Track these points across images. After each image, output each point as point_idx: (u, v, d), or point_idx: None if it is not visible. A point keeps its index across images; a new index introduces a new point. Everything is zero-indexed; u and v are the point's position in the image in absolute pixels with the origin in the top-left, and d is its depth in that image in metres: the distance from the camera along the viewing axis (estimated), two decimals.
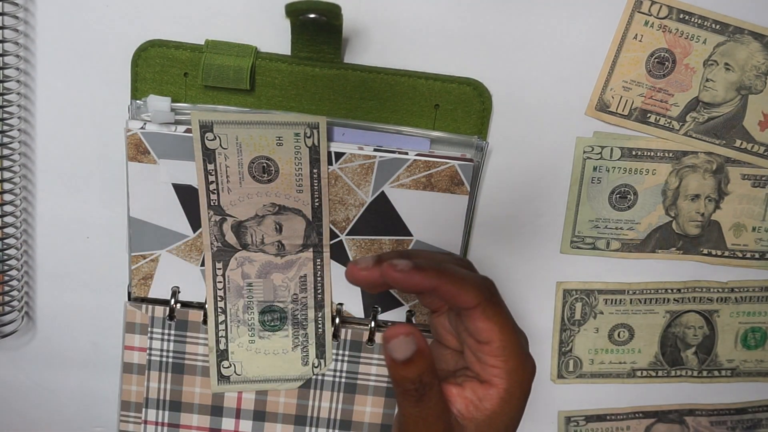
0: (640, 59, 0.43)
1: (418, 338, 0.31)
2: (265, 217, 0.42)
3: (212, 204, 0.42)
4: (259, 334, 0.45)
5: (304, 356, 0.45)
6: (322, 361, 0.45)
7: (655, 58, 0.43)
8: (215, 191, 0.41)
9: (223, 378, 0.45)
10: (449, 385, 0.35)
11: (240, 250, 0.43)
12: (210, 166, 0.41)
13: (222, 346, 0.45)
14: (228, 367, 0.45)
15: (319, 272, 0.44)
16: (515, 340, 0.34)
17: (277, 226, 0.42)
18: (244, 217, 0.42)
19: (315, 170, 0.41)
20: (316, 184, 0.42)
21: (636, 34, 0.43)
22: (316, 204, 0.42)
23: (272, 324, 0.45)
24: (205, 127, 0.40)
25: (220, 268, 0.43)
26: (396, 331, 0.31)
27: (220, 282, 0.43)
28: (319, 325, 0.45)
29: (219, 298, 0.44)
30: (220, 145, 0.40)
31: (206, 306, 0.44)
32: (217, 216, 0.42)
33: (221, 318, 0.44)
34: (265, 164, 0.41)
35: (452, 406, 0.34)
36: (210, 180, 0.41)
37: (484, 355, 0.34)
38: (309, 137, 0.40)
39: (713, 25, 0.43)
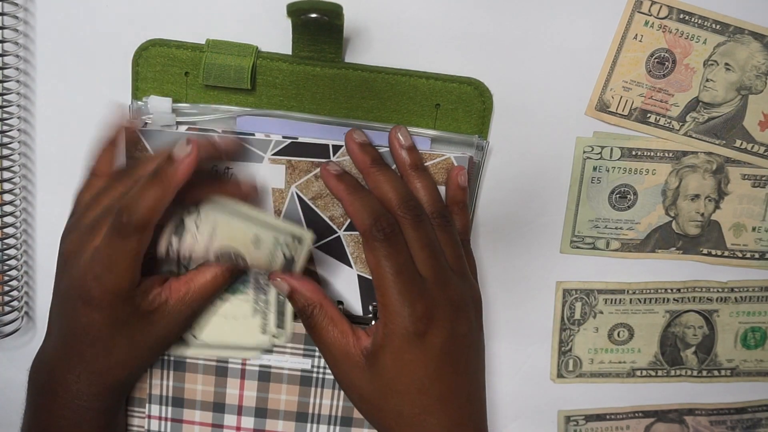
0: (640, 59, 0.43)
1: (290, 281, 0.39)
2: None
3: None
4: (219, 295, 0.43)
5: (263, 324, 0.44)
6: (282, 331, 0.44)
7: (655, 58, 0.43)
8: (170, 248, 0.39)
9: (180, 340, 0.44)
10: (376, 323, 0.39)
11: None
12: (174, 239, 0.39)
13: None
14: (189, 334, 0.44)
15: None
16: (395, 280, 0.36)
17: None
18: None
19: (290, 268, 0.40)
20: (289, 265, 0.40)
21: (636, 34, 0.43)
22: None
23: (233, 285, 0.43)
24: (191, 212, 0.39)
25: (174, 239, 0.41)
26: (274, 275, 0.39)
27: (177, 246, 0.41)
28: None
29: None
30: (197, 229, 0.39)
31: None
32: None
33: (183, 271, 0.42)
34: (233, 255, 0.39)
35: (366, 339, 0.38)
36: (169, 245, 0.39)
37: (374, 284, 0.38)
38: (288, 248, 0.39)
39: (713, 25, 0.43)
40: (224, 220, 0.39)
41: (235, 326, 0.44)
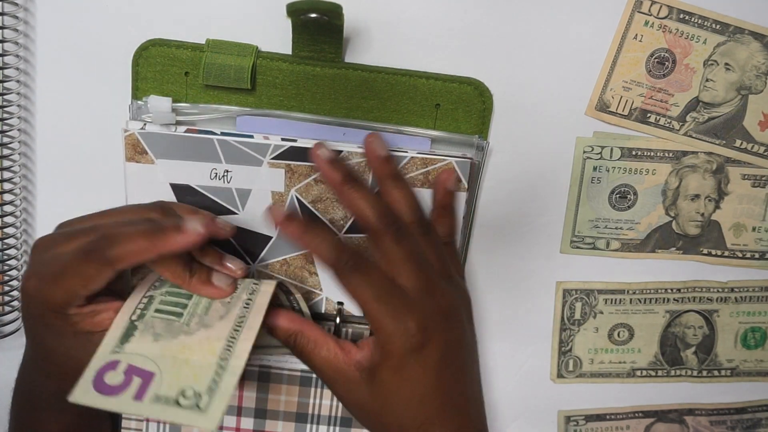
0: (640, 59, 0.43)
1: (266, 322, 0.38)
2: None
3: None
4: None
5: None
6: None
7: (655, 58, 0.43)
8: None
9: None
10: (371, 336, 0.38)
11: None
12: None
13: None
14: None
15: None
16: (378, 302, 0.35)
17: None
18: None
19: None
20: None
21: (636, 34, 0.43)
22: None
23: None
24: None
25: None
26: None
27: None
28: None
29: None
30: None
31: None
32: None
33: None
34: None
35: (357, 353, 0.37)
36: None
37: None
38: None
39: (713, 25, 0.43)
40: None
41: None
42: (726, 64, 0.44)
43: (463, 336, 0.38)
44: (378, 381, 0.36)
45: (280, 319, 0.38)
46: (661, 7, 0.42)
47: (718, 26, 0.43)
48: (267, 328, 0.38)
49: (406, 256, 0.37)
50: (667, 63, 0.43)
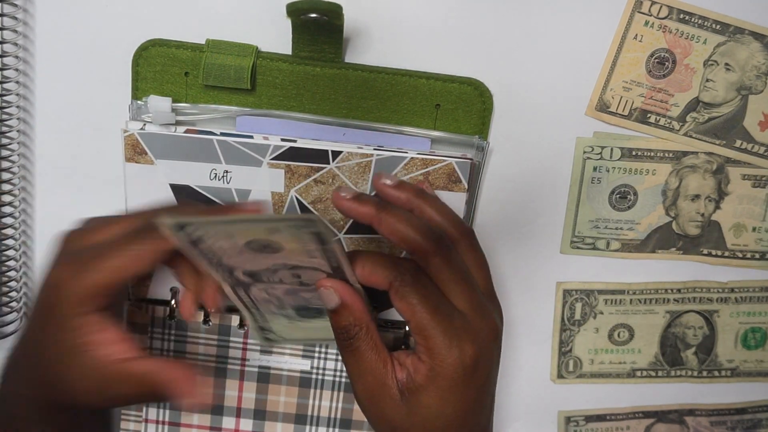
0: (640, 59, 0.43)
1: (342, 293, 0.35)
2: (278, 270, 0.37)
3: (212, 262, 0.35)
4: (297, 320, 0.42)
5: None
6: None
7: (655, 59, 0.43)
8: (213, 261, 0.35)
9: (268, 341, 0.43)
10: (403, 351, 0.36)
11: (259, 282, 0.38)
12: (198, 249, 0.34)
13: (261, 324, 0.42)
14: (272, 334, 0.43)
15: None
16: (436, 321, 0.34)
17: (295, 275, 0.37)
18: (255, 268, 0.36)
19: (326, 246, 0.33)
20: (331, 256, 0.35)
21: (636, 35, 0.43)
22: (335, 265, 0.36)
23: (310, 315, 0.42)
24: (179, 227, 0.32)
25: (240, 291, 0.39)
26: (323, 282, 0.35)
27: (245, 298, 0.40)
28: None
29: (249, 304, 0.41)
30: (202, 238, 0.33)
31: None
32: (221, 267, 0.36)
33: (255, 312, 0.41)
34: (264, 243, 0.33)
35: (400, 371, 0.35)
36: (204, 256, 0.34)
37: (411, 331, 0.35)
38: (307, 229, 0.32)
39: (713, 25, 0.43)
40: (223, 230, 0.33)
41: (319, 330, 0.42)
42: (726, 64, 0.44)
43: (499, 354, 0.38)
44: (421, 404, 0.35)
45: (356, 303, 0.35)
46: (661, 7, 0.42)
47: (718, 26, 0.43)
48: (337, 305, 0.35)
49: (457, 277, 0.35)
50: (667, 63, 0.43)
